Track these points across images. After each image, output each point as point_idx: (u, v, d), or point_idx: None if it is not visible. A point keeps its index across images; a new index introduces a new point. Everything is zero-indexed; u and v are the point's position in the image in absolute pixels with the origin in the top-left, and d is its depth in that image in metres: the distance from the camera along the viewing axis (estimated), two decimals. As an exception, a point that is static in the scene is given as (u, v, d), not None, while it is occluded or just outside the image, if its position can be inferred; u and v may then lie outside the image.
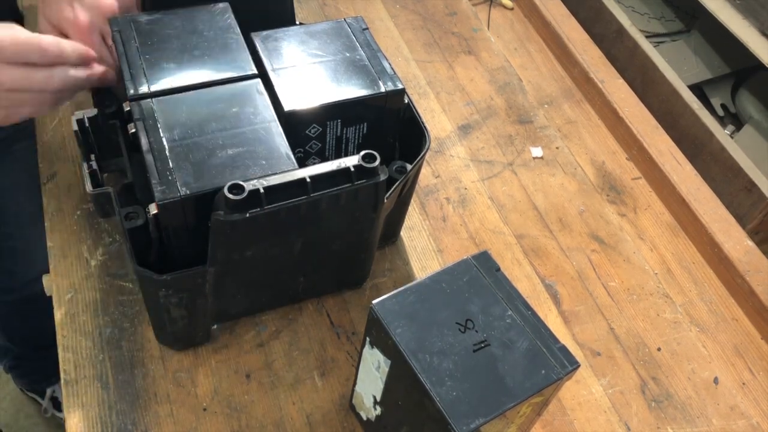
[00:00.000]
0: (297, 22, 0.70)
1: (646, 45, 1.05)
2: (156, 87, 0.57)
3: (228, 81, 0.59)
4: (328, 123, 0.61)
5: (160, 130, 0.55)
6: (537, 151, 0.85)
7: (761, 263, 0.75)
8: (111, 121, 0.64)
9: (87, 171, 0.59)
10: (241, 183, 0.49)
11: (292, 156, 0.55)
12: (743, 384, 0.68)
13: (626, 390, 0.66)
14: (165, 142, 0.54)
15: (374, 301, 0.48)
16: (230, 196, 0.49)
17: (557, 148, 0.86)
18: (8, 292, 1.10)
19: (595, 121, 0.90)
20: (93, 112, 0.61)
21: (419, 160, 0.62)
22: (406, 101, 0.64)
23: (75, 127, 0.60)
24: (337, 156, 0.64)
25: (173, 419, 0.59)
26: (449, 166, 0.82)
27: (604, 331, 0.70)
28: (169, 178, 0.51)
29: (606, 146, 0.88)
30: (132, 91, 0.57)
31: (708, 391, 0.67)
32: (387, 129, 0.64)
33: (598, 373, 0.67)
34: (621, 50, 1.07)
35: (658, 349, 0.69)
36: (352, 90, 0.60)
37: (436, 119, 0.87)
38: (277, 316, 0.66)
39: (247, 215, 0.50)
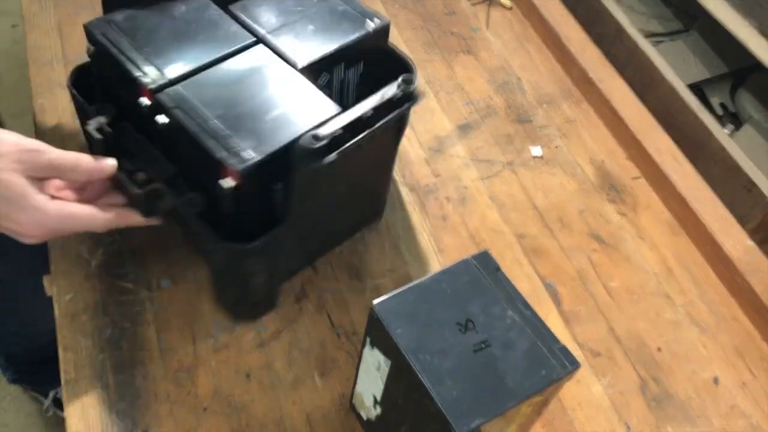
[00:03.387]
0: None
1: (645, 45, 1.05)
2: (172, 74, 0.58)
3: (234, 53, 0.61)
4: (335, 69, 0.63)
5: (201, 110, 0.56)
6: (536, 151, 0.85)
7: (761, 263, 0.75)
8: (119, 123, 0.63)
9: (126, 177, 0.58)
10: (317, 132, 0.52)
11: (330, 100, 0.58)
12: (743, 384, 0.68)
13: (626, 390, 0.66)
14: (212, 119, 0.55)
15: (374, 302, 0.48)
16: (310, 145, 0.51)
17: (557, 147, 0.86)
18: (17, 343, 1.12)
19: (594, 120, 0.90)
20: (107, 116, 0.60)
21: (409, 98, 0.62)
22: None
23: (97, 135, 0.59)
24: (341, 100, 0.66)
25: (173, 419, 0.59)
26: (449, 166, 0.82)
27: (605, 331, 0.70)
28: (235, 148, 0.53)
29: (605, 146, 0.88)
30: (151, 84, 0.57)
31: (708, 391, 0.67)
32: (378, 64, 0.67)
33: (598, 373, 0.67)
34: (620, 50, 1.07)
35: (659, 349, 0.69)
36: (347, 33, 0.63)
37: (436, 118, 0.87)
38: (278, 317, 0.66)
39: (326, 161, 0.52)
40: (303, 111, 0.57)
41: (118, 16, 0.62)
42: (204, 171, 0.54)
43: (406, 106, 0.57)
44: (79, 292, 0.65)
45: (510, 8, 1.04)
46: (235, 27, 0.63)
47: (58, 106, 0.79)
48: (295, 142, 0.54)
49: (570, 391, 0.65)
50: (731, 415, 0.66)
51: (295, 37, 0.63)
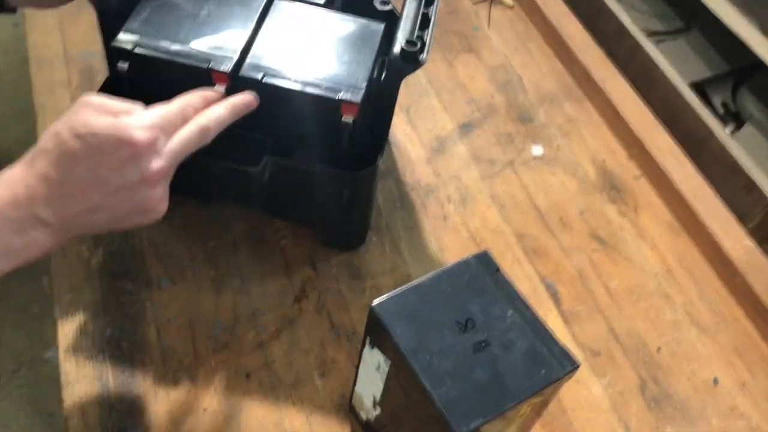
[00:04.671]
0: None
1: (646, 43, 1.05)
2: (234, 53, 0.58)
3: (263, 15, 0.62)
4: None
5: (284, 70, 0.58)
6: (537, 150, 0.85)
7: (761, 263, 0.74)
8: None
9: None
10: (411, 39, 0.57)
11: (372, 20, 0.63)
12: (743, 384, 0.68)
13: (626, 390, 0.66)
14: (299, 74, 0.57)
15: (374, 302, 0.48)
16: (410, 49, 0.56)
17: (558, 146, 0.86)
18: None
19: (595, 119, 0.90)
20: None
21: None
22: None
23: None
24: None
25: (173, 419, 0.59)
26: (450, 165, 0.82)
27: (604, 331, 0.70)
28: (339, 88, 0.57)
29: (606, 145, 0.87)
30: (226, 68, 0.56)
31: (708, 391, 0.67)
32: None
33: (598, 373, 0.67)
34: (621, 49, 1.07)
35: (658, 349, 0.69)
36: None
37: (437, 118, 0.87)
38: (278, 317, 0.66)
39: (423, 59, 0.57)
40: (362, 37, 0.61)
41: (134, 24, 0.59)
42: (317, 119, 0.58)
43: None
44: (79, 292, 0.65)
45: (511, 7, 1.04)
46: None
47: (59, 106, 0.79)
48: (375, 63, 0.59)
49: (570, 391, 0.65)
50: (731, 416, 0.66)
51: None
